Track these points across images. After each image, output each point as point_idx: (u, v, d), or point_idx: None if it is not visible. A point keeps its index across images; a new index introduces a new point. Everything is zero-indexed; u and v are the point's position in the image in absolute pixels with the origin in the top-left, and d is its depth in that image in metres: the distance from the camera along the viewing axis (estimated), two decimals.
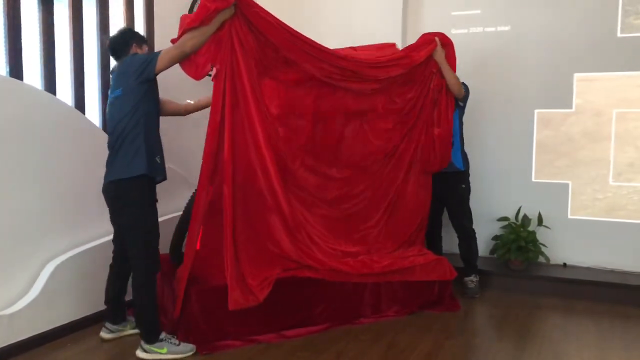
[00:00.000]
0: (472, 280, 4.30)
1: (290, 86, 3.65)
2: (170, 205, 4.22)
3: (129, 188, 3.07)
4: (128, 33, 3.35)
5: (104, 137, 3.78)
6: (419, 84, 4.00)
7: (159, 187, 4.16)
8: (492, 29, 4.87)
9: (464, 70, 4.88)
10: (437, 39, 4.00)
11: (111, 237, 3.72)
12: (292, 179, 3.61)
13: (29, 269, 3.29)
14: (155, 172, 3.12)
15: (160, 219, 4.06)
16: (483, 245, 4.61)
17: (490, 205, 4.78)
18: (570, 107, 4.67)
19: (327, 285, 3.67)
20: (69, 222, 3.52)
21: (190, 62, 3.11)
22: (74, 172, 3.53)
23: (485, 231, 4.73)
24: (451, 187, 4.26)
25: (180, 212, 3.73)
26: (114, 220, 3.28)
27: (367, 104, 3.91)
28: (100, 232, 3.71)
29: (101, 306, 3.68)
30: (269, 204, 3.38)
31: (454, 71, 4.06)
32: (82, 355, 3.21)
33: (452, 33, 4.95)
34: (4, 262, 3.15)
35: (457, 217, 4.33)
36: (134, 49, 3.24)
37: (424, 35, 4.07)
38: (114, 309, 3.38)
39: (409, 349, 3.30)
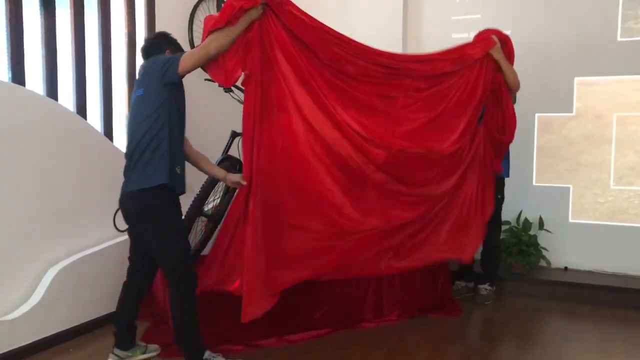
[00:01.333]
0: (486, 288, 4.26)
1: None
2: None
3: (153, 198, 2.86)
4: (164, 38, 3.15)
5: (106, 143, 3.81)
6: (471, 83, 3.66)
7: None
8: None
9: None
10: (494, 36, 3.73)
11: (113, 242, 3.75)
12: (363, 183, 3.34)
13: (31, 275, 3.30)
14: (176, 183, 2.90)
15: None
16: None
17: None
18: (571, 111, 4.68)
19: (328, 290, 3.67)
20: (70, 228, 3.52)
21: (218, 67, 2.88)
22: (76, 178, 3.54)
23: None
24: None
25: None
26: (134, 232, 3.08)
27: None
28: (101, 238, 3.72)
29: (103, 312, 3.69)
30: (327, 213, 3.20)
31: (512, 62, 3.85)
32: None
33: (453, 38, 4.97)
34: (6, 267, 3.15)
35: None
36: (169, 54, 3.05)
37: (480, 32, 3.83)
38: (125, 333, 3.14)
39: (410, 353, 3.30)
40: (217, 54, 2.82)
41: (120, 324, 3.14)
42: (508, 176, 4.22)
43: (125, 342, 3.14)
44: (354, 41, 3.29)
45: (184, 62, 2.80)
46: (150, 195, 2.85)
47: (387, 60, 3.39)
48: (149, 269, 3.15)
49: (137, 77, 3.16)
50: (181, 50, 3.11)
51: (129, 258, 3.16)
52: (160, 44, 3.08)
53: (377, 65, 3.36)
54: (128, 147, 2.96)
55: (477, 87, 3.65)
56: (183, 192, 2.98)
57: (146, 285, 3.19)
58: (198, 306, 2.99)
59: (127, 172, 2.94)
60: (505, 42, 3.80)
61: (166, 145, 2.83)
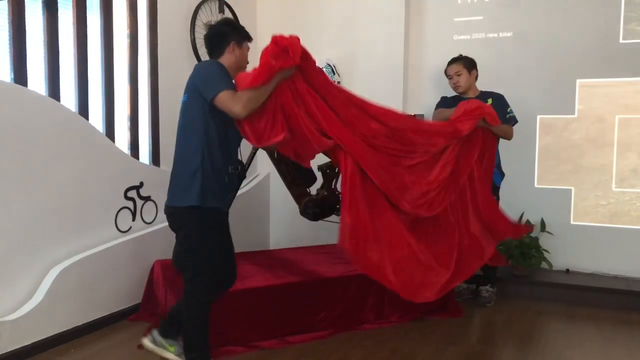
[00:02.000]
0: (487, 290, 4.27)
1: None
2: None
3: (183, 216, 2.77)
4: (228, 27, 2.91)
5: (108, 143, 3.81)
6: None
7: (160, 192, 4.17)
8: (494, 35, 4.88)
9: None
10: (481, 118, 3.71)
11: (115, 242, 3.76)
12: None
13: (33, 275, 3.30)
14: (210, 202, 2.73)
15: (162, 225, 4.11)
16: None
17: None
18: (573, 113, 4.68)
19: (330, 291, 3.68)
20: (72, 228, 3.52)
21: (251, 127, 2.76)
22: (78, 178, 3.54)
23: None
24: None
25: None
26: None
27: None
28: (103, 238, 3.72)
29: (104, 312, 3.70)
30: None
31: (499, 123, 3.79)
32: None
33: (454, 39, 4.98)
34: (8, 267, 3.15)
35: None
36: (232, 48, 2.83)
37: (467, 103, 3.76)
38: (174, 323, 2.99)
39: (412, 355, 3.30)
40: (247, 114, 2.68)
41: (172, 314, 3.01)
42: (499, 184, 4.18)
43: (166, 331, 2.99)
44: (368, 103, 3.30)
45: (221, 99, 2.63)
46: (181, 214, 2.78)
47: (394, 122, 3.39)
48: (227, 270, 3.02)
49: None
50: (246, 39, 2.91)
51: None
52: (225, 33, 2.85)
53: (383, 125, 3.34)
54: (175, 150, 2.89)
55: (472, 153, 3.72)
56: (223, 208, 2.84)
57: (224, 287, 3.04)
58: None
59: (170, 181, 2.87)
60: (491, 115, 3.73)
61: (198, 163, 2.70)
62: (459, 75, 4.18)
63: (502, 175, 4.24)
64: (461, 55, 4.28)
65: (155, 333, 2.96)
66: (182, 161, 2.78)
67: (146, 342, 2.95)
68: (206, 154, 2.71)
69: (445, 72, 4.30)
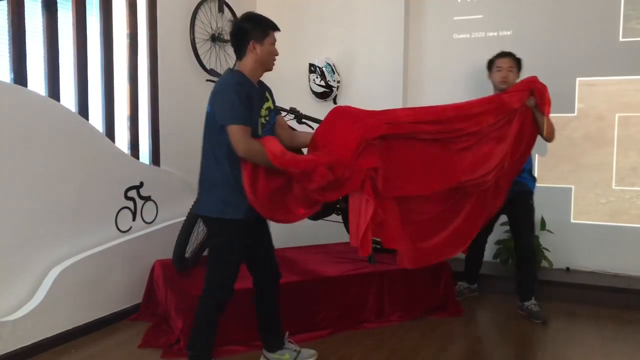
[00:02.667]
0: (534, 304, 3.94)
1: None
2: (173, 212, 4.24)
3: (209, 224, 2.91)
4: (247, 23, 2.81)
5: (107, 143, 3.82)
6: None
7: (160, 192, 4.18)
8: (494, 33, 4.88)
9: (466, 75, 4.91)
10: (532, 89, 3.69)
11: (115, 242, 3.76)
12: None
13: (33, 275, 3.30)
14: (230, 213, 2.74)
15: (162, 225, 4.12)
16: (486, 250, 4.60)
17: None
18: (573, 112, 4.68)
19: (330, 291, 3.68)
20: (72, 228, 3.53)
21: (284, 209, 2.86)
22: (78, 178, 3.54)
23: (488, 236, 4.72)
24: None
25: (183, 219, 3.74)
26: None
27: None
28: (103, 238, 3.72)
29: (105, 312, 3.70)
30: None
31: (549, 113, 3.73)
32: None
33: (454, 38, 4.98)
34: (8, 267, 3.16)
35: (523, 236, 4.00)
36: (253, 47, 2.76)
37: (518, 83, 3.81)
38: (265, 335, 3.10)
39: (412, 354, 3.30)
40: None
41: (261, 330, 3.11)
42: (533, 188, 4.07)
43: (268, 343, 3.09)
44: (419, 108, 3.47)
45: (231, 131, 2.64)
46: (207, 221, 2.91)
47: (433, 116, 3.40)
48: (264, 272, 3.06)
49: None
50: (267, 34, 2.79)
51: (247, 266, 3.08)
52: (243, 32, 2.78)
53: (426, 123, 3.35)
54: (201, 163, 2.89)
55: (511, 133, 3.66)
56: (244, 218, 2.77)
57: (271, 287, 3.08)
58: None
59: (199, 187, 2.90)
60: (542, 93, 3.70)
61: (220, 177, 2.73)
62: (510, 70, 3.93)
63: (534, 180, 4.09)
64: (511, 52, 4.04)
65: (265, 352, 3.09)
66: (207, 171, 2.80)
67: None
68: (230, 166, 2.71)
69: (493, 63, 4.00)
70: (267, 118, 2.86)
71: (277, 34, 2.85)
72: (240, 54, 2.82)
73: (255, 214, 2.77)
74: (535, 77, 3.76)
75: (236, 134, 2.64)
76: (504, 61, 3.96)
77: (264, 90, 2.89)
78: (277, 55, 2.86)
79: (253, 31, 2.77)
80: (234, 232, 2.79)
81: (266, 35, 2.79)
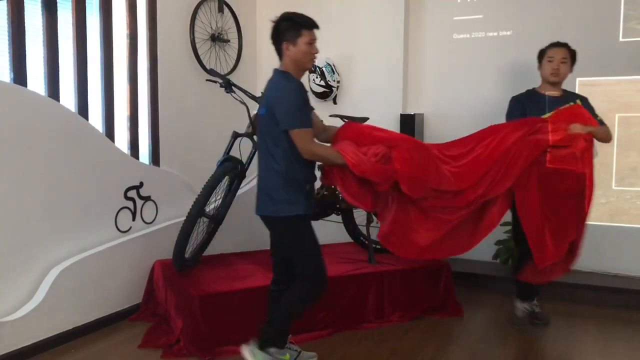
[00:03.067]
0: (525, 307, 3.83)
1: None
2: (173, 212, 4.23)
3: (272, 224, 2.92)
4: (283, 22, 2.81)
5: (107, 143, 3.81)
6: None
7: (160, 192, 4.18)
8: (494, 33, 4.87)
9: (466, 74, 4.91)
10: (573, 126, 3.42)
11: (115, 242, 3.76)
12: None
13: (33, 275, 3.30)
14: (294, 209, 2.81)
15: (162, 225, 4.12)
16: (486, 250, 4.60)
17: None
18: None
19: (330, 291, 3.67)
20: (72, 228, 3.53)
21: (356, 192, 3.00)
22: (78, 178, 3.54)
23: (488, 236, 4.70)
24: None
25: (183, 219, 3.73)
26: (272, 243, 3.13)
27: None
28: (103, 238, 3.72)
29: (105, 312, 3.70)
30: None
31: (596, 123, 3.53)
32: None
33: (454, 38, 4.97)
34: (8, 268, 3.16)
35: None
36: (287, 47, 2.77)
37: (571, 110, 3.55)
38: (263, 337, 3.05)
39: (412, 354, 3.30)
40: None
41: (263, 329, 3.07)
42: None
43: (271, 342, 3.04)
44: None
45: (294, 135, 2.73)
46: (270, 221, 2.91)
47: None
48: (288, 274, 3.03)
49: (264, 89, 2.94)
50: (299, 34, 2.75)
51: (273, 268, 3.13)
52: (277, 33, 2.81)
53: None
54: (258, 165, 2.97)
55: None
56: (307, 214, 2.87)
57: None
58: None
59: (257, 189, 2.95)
60: (583, 118, 3.50)
61: (278, 178, 2.79)
62: (564, 62, 3.64)
63: None
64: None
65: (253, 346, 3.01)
66: (265, 173, 2.86)
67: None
68: (288, 167, 2.78)
69: (544, 53, 3.71)
70: None
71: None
72: (279, 54, 2.85)
73: (311, 210, 2.89)
74: (586, 115, 3.53)
75: (302, 138, 2.73)
76: (558, 52, 3.64)
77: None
78: (315, 53, 2.84)
79: (286, 32, 2.77)
80: (301, 226, 2.87)
81: (299, 35, 2.76)
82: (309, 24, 2.80)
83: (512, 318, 3.83)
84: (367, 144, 3.00)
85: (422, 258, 3.55)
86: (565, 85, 4.59)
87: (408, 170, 3.03)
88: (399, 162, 3.01)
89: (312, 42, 2.81)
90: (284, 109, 2.72)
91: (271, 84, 2.86)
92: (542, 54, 3.74)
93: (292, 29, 2.77)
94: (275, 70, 2.88)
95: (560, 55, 3.64)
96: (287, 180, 2.79)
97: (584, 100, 3.75)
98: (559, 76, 3.65)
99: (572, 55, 3.69)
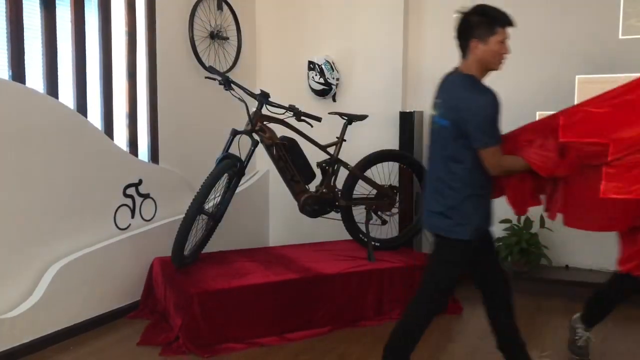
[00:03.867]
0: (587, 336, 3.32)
1: None
2: (172, 209, 4.23)
3: (445, 247, 2.59)
4: (474, 16, 2.46)
5: (106, 141, 3.81)
6: None
7: (159, 189, 4.18)
8: None
9: None
10: None
11: (114, 240, 3.76)
12: None
13: (32, 272, 3.30)
14: (464, 233, 2.51)
15: (161, 222, 4.12)
16: None
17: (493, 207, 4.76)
18: None
19: (329, 288, 3.68)
20: (71, 225, 3.52)
21: (520, 194, 2.76)
22: (76, 176, 3.54)
23: None
24: None
25: (182, 216, 3.73)
26: None
27: None
28: (102, 236, 3.72)
29: (103, 309, 3.70)
30: None
31: None
32: (85, 358, 3.21)
33: (454, 36, 4.96)
34: (7, 265, 3.16)
35: None
36: (475, 45, 2.44)
37: None
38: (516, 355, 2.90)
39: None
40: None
41: (500, 347, 2.91)
42: None
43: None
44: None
45: (485, 154, 2.41)
46: (444, 243, 2.59)
47: None
48: (491, 283, 2.81)
49: (439, 93, 2.61)
50: (492, 32, 2.42)
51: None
52: (466, 28, 2.47)
53: None
54: (430, 165, 2.64)
55: None
56: (471, 238, 2.54)
57: (503, 296, 2.84)
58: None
59: (426, 194, 2.66)
60: None
61: (454, 198, 2.48)
62: None
63: None
64: None
65: None
66: (439, 189, 2.53)
67: None
68: (468, 187, 2.48)
69: None
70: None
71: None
72: (463, 51, 2.51)
73: (482, 234, 2.61)
74: None
75: (494, 156, 2.42)
76: None
77: None
78: (506, 54, 2.50)
79: (478, 28, 2.43)
80: (465, 252, 2.58)
81: (493, 32, 2.42)
82: (505, 21, 2.45)
83: (570, 346, 3.30)
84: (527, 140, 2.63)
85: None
86: (564, 83, 4.59)
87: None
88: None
89: (505, 40, 2.47)
90: (478, 124, 2.38)
91: (457, 91, 2.49)
92: None
93: (485, 24, 2.42)
94: (458, 73, 2.54)
95: None
96: (463, 203, 2.49)
97: None
98: None
99: None
